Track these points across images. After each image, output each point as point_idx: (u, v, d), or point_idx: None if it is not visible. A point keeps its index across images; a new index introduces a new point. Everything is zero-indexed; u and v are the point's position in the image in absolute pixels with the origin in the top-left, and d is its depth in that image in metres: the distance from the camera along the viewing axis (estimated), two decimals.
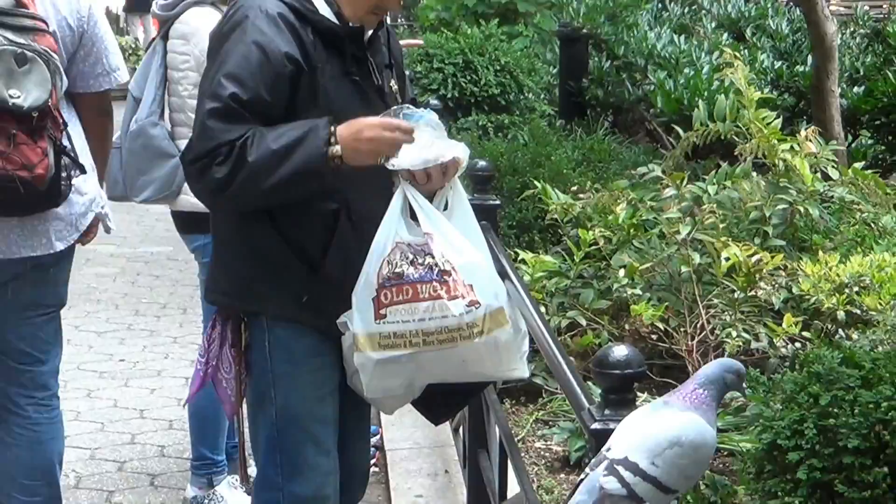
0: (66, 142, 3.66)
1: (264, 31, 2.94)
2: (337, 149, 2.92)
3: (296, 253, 3.05)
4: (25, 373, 3.87)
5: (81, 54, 3.83)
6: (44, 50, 3.54)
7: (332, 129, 2.94)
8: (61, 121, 3.65)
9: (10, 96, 3.44)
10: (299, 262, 3.06)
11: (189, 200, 4.21)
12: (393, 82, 3.24)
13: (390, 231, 3.00)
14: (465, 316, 2.93)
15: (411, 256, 2.96)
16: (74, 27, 3.77)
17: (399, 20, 19.56)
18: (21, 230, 3.70)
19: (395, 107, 3.09)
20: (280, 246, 3.05)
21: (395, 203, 3.02)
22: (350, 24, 3.08)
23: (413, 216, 3.02)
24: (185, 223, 4.47)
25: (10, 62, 3.46)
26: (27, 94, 3.47)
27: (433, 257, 2.95)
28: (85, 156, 3.80)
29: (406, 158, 2.96)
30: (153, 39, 4.52)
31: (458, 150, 3.04)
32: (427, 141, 2.98)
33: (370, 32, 3.18)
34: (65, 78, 3.71)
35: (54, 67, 3.57)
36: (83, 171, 3.72)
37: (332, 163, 2.92)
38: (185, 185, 4.22)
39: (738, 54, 6.18)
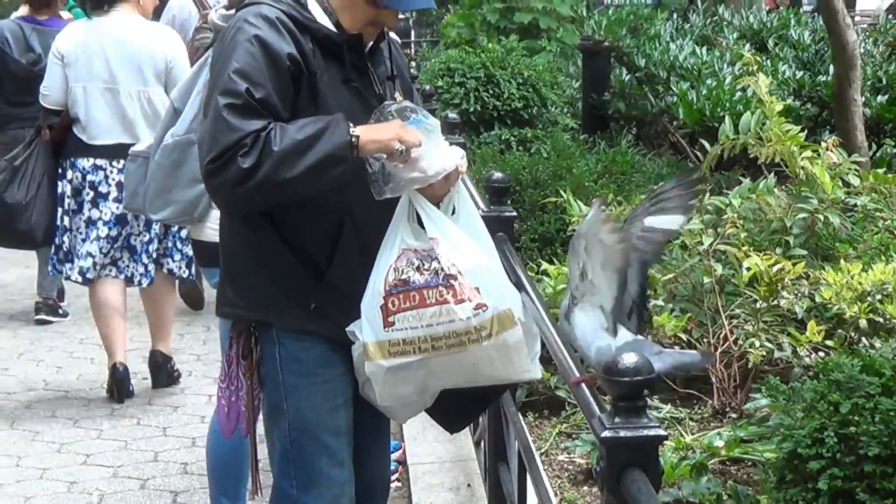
0: None
1: (264, 29, 2.96)
2: (356, 130, 2.93)
3: (302, 261, 3.05)
4: None
5: None
6: None
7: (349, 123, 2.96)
8: None
9: None
10: (305, 270, 3.05)
11: (213, 231, 3.88)
12: (398, 95, 3.23)
13: (396, 238, 3.00)
14: (472, 319, 2.91)
15: (417, 262, 2.95)
16: None
17: (422, 37, 19.58)
18: None
19: (400, 103, 3.07)
20: (286, 255, 3.05)
21: (401, 210, 3.02)
22: (349, 33, 3.09)
23: (420, 222, 3.01)
24: (209, 256, 4.09)
25: None
26: None
27: (439, 262, 2.93)
28: None
29: (402, 178, 2.96)
30: (207, 49, 4.07)
31: (456, 157, 3.03)
32: (424, 150, 2.97)
33: (371, 44, 3.18)
34: None
35: None
36: None
37: (354, 150, 2.92)
38: (211, 214, 4.02)
39: (758, 60, 6.16)
